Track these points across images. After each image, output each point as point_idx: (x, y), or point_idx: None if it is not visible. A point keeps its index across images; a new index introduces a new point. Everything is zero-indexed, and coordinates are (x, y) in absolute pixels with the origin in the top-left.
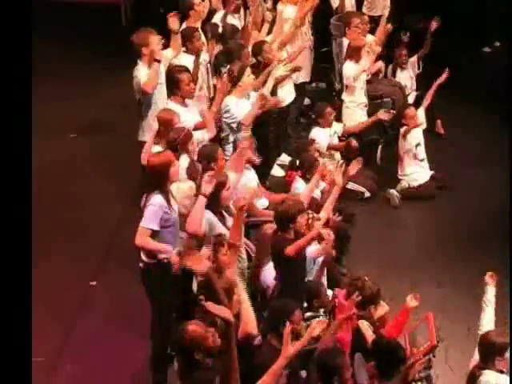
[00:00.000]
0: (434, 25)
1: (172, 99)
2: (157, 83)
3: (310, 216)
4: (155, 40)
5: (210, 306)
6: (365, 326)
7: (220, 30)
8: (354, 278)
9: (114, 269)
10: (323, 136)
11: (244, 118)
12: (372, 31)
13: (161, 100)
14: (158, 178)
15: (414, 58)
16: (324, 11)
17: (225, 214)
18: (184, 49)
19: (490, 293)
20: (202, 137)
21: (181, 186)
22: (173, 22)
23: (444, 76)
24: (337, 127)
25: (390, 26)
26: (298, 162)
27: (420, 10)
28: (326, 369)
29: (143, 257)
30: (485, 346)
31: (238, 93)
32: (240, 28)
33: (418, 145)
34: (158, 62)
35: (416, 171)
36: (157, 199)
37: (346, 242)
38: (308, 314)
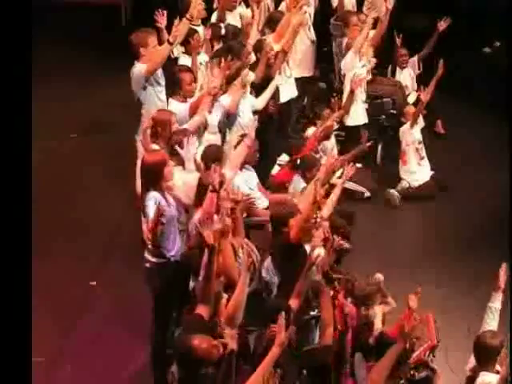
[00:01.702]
0: (442, 25)
1: (173, 98)
2: (163, 60)
3: (319, 216)
4: (154, 41)
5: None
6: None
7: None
8: (346, 280)
9: (114, 269)
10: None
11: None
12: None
13: (159, 99)
14: (153, 177)
15: (415, 58)
16: (324, 11)
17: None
18: (183, 49)
19: (498, 300)
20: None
21: (186, 177)
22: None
23: (441, 70)
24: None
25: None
26: (298, 161)
27: (420, 10)
28: (316, 367)
29: (149, 257)
30: (479, 349)
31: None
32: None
33: (419, 142)
34: (170, 44)
35: (417, 170)
36: (153, 195)
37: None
38: (310, 313)
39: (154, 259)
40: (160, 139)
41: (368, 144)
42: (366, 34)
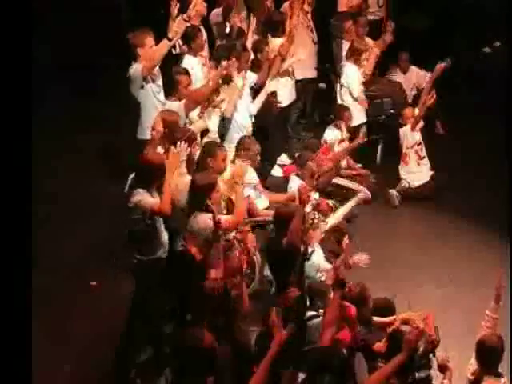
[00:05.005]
0: (440, 67)
1: (170, 99)
2: (161, 57)
3: (316, 217)
4: (151, 41)
5: None
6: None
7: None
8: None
9: (113, 269)
10: (335, 138)
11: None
12: (370, 34)
13: (157, 99)
14: (149, 176)
15: (417, 69)
16: (324, 11)
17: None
18: (186, 48)
19: (497, 312)
20: None
21: (182, 181)
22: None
23: (438, 70)
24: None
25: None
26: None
27: (419, 10)
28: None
29: (136, 254)
30: (484, 352)
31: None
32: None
33: (418, 144)
34: (169, 40)
35: (417, 171)
36: (140, 192)
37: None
38: (310, 313)
39: (139, 256)
40: (166, 140)
41: (362, 138)
42: (375, 59)
